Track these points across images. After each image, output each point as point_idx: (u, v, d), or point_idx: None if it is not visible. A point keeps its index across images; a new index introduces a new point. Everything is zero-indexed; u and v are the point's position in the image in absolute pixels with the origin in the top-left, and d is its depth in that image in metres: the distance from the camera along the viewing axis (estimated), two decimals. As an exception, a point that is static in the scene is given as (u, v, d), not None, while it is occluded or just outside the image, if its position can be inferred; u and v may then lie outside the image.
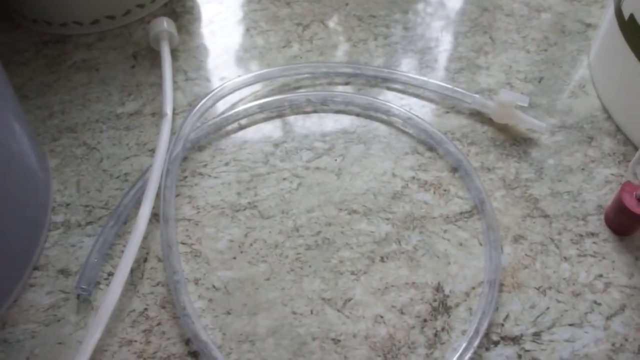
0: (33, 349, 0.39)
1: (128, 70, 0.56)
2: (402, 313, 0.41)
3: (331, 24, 0.60)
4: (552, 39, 0.59)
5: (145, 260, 0.44)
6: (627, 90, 0.51)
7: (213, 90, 0.51)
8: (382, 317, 0.41)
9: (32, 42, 0.59)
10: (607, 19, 0.54)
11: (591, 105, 0.53)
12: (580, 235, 0.45)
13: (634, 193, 0.43)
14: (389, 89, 0.54)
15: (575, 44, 0.59)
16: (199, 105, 0.49)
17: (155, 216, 0.45)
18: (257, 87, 0.54)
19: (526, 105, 0.50)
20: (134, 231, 0.43)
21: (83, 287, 0.41)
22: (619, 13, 0.51)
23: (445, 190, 0.47)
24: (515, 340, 0.40)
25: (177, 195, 0.47)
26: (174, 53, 0.57)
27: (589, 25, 0.60)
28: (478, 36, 0.59)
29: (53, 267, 0.43)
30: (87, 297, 0.42)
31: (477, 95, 0.51)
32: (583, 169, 0.49)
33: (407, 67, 0.56)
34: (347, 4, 0.62)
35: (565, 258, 0.44)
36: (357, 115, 0.52)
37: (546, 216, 0.46)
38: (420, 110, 0.52)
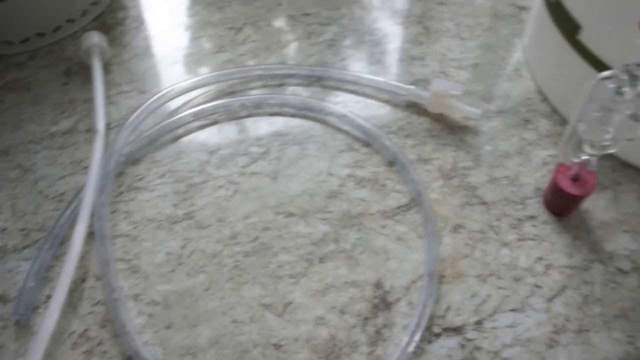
0: (-28, 382, 0.39)
1: (60, 87, 0.55)
2: (342, 313, 0.41)
3: (264, 25, 0.60)
4: (486, 24, 0.59)
5: (84, 280, 0.43)
6: (559, 71, 0.51)
7: (145, 103, 0.50)
8: (322, 318, 0.41)
9: (-37, 65, 0.58)
10: (536, 1, 0.54)
11: (527, 88, 0.54)
12: (519, 220, 0.46)
13: (568, 173, 0.44)
14: (323, 87, 0.54)
15: (509, 27, 0.59)
16: (131, 119, 0.49)
17: (92, 235, 0.45)
18: (191, 94, 0.53)
19: (460, 93, 0.50)
20: (69, 252, 0.42)
21: (21, 312, 0.41)
22: (545, -5, 0.51)
23: (382, 186, 0.47)
24: (457, 330, 0.40)
25: (113, 212, 0.46)
26: (107, 66, 0.56)
27: (522, 8, 0.61)
28: (412, 27, 0.59)
29: (-10, 294, 0.43)
30: (26, 323, 0.41)
31: (411, 87, 0.51)
32: (520, 153, 0.49)
33: (342, 63, 0.56)
34: (279, 4, 0.61)
35: (504, 244, 0.44)
36: (292, 116, 0.52)
37: (484, 203, 0.46)
38: (356, 106, 0.52)
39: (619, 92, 0.37)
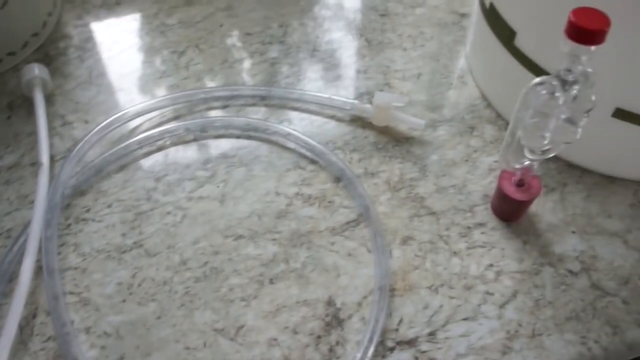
0: None
1: (4, 121, 0.54)
2: (295, 333, 0.41)
3: (207, 47, 0.60)
4: (428, 33, 0.60)
5: (34, 315, 0.43)
6: (500, 76, 0.52)
7: (90, 133, 0.50)
8: (275, 339, 0.41)
9: None
10: (475, 8, 0.55)
11: (470, 95, 0.54)
12: (469, 228, 0.46)
13: (512, 179, 0.44)
14: (267, 106, 0.54)
15: (452, 35, 0.60)
16: (75, 150, 0.48)
17: (41, 269, 0.44)
18: (136, 122, 0.53)
19: (403, 104, 0.51)
20: (17, 288, 0.42)
21: (-29, 353, 0.41)
22: (482, 2, 0.52)
23: (330, 202, 0.47)
24: (410, 343, 0.41)
25: (61, 245, 0.46)
26: (50, 98, 0.55)
27: (463, 15, 0.61)
28: (355, 40, 0.59)
29: (-60, 337, 0.42)
30: (-24, 364, 0.41)
31: (354, 101, 0.52)
32: (467, 160, 0.50)
33: (285, 81, 0.56)
34: (221, 25, 0.61)
35: (454, 253, 0.45)
36: (238, 137, 0.52)
37: (433, 213, 0.47)
38: (300, 123, 0.53)
39: (552, 97, 0.38)
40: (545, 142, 0.40)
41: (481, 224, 0.46)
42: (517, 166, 0.43)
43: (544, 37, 0.45)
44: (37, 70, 0.54)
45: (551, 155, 0.41)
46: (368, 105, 0.51)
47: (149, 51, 0.60)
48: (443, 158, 0.50)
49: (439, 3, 0.62)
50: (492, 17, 0.49)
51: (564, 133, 0.39)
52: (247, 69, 0.57)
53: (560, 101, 0.37)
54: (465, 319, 0.42)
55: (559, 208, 0.47)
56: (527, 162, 0.42)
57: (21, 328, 0.42)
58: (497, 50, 0.50)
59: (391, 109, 0.50)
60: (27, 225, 0.46)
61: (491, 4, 0.49)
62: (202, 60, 0.58)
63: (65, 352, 0.40)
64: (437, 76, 0.56)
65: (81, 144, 0.49)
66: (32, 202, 0.48)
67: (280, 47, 0.59)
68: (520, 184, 0.44)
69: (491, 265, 0.44)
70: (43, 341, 0.41)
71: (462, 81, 0.55)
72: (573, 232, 0.46)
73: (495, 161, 0.49)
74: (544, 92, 0.38)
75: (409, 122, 0.51)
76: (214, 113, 0.54)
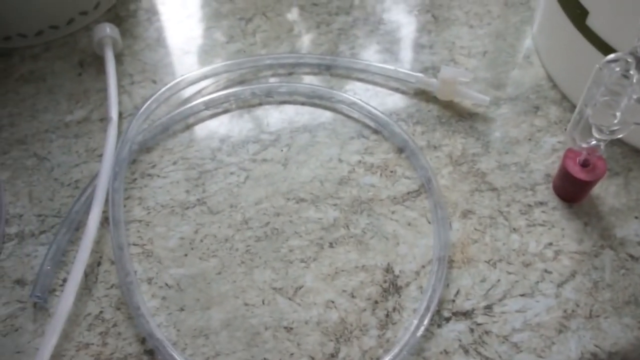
0: (-8, 361, 0.40)
1: (75, 78, 0.56)
2: (352, 297, 0.41)
3: (274, 16, 0.60)
4: (494, 12, 0.59)
5: (99, 264, 0.44)
6: (569, 57, 0.51)
7: (158, 92, 0.51)
8: (333, 302, 0.41)
9: (-22, 57, 0.59)
10: (545, -12, 0.54)
11: (536, 75, 0.54)
12: (529, 206, 0.46)
13: (577, 159, 0.44)
14: (333, 75, 0.54)
15: (519, 15, 0.59)
16: (144, 107, 0.49)
17: (106, 220, 0.45)
18: (202, 84, 0.54)
19: (469, 80, 0.50)
20: (84, 236, 0.43)
21: (38, 295, 0.42)
22: (554, -18, 0.51)
23: (391, 172, 0.48)
24: (466, 315, 0.41)
25: (127, 198, 0.47)
26: (119, 57, 0.57)
27: (531, -4, 0.61)
28: (421, 15, 0.59)
29: (9, 277, 0.44)
30: (43, 305, 0.42)
31: (420, 74, 0.52)
32: (530, 139, 0.50)
33: (351, 52, 0.56)
34: (289, -6, 0.62)
35: (514, 229, 0.45)
36: (302, 104, 0.52)
37: (494, 189, 0.47)
38: (365, 94, 0.53)
39: (625, 75, 0.37)
40: (615, 121, 0.39)
41: (542, 203, 0.46)
42: (584, 145, 0.42)
43: (619, 16, 0.44)
44: (108, 30, 0.55)
45: (619, 136, 0.40)
46: (433, 80, 0.51)
47: (216, 17, 0.60)
48: (506, 136, 0.50)
49: (507, -17, 0.62)
50: (565, -4, 0.49)
51: (634, 113, 0.39)
52: (312, 39, 0.58)
53: (635, 79, 0.37)
54: (522, 295, 0.42)
55: (623, 192, 0.47)
56: (593, 142, 0.42)
57: (86, 275, 0.43)
58: (567, 30, 0.49)
59: (456, 84, 0.50)
60: (94, 177, 0.47)
61: (564, -17, 0.49)
62: (269, 28, 0.59)
63: (128, 300, 0.41)
64: (502, 55, 0.55)
65: (149, 101, 0.50)
66: (100, 155, 0.50)
67: (346, 19, 0.59)
68: (585, 164, 0.44)
69: (550, 244, 0.44)
70: (107, 288, 0.43)
71: (527, 61, 0.55)
72: (636, 218, 0.45)
73: (559, 142, 0.49)
74: (617, 69, 0.38)
75: (474, 97, 0.51)
76: (277, 79, 0.54)
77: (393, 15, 0.60)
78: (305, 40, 0.58)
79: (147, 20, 0.61)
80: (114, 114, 0.50)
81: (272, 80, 0.54)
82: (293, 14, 0.60)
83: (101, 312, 0.42)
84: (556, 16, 0.51)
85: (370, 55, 0.56)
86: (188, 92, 0.54)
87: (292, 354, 0.40)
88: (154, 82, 0.55)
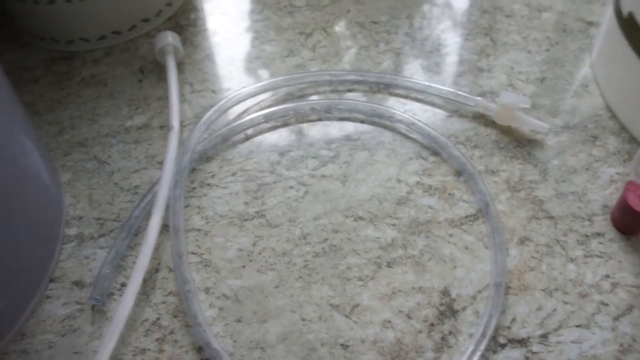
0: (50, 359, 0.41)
1: (135, 84, 0.57)
2: (409, 318, 0.42)
3: (333, 31, 0.61)
4: (553, 38, 0.59)
5: (157, 270, 0.44)
6: (629, 88, 0.51)
7: (219, 102, 0.51)
8: (389, 322, 0.41)
9: (41, 59, 0.60)
10: (607, 17, 0.54)
11: (594, 105, 0.54)
12: (586, 236, 0.46)
13: (638, 192, 0.44)
14: (392, 94, 0.55)
15: (577, 42, 0.59)
16: (205, 118, 0.50)
17: (165, 227, 0.46)
18: (261, 96, 0.55)
19: (528, 106, 0.50)
20: (144, 242, 0.44)
21: (97, 297, 0.42)
22: (618, 11, 0.51)
23: (450, 195, 0.48)
24: (522, 342, 0.41)
25: (186, 206, 0.47)
26: (180, 66, 0.57)
27: (590, 24, 0.61)
28: (479, 38, 0.59)
29: (68, 278, 0.44)
30: (101, 308, 0.43)
31: (479, 98, 0.52)
32: (587, 169, 0.49)
33: (409, 72, 0.57)
34: (349, 11, 0.62)
35: (571, 259, 0.44)
36: (362, 122, 0.53)
37: (551, 217, 0.47)
38: (424, 115, 0.53)
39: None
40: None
41: (599, 234, 0.46)
42: (647, 179, 0.42)
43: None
44: (170, 38, 0.56)
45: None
46: (492, 104, 0.51)
47: (277, 30, 0.61)
48: (564, 164, 0.50)
49: (566, 9, 0.62)
50: (630, 26, 0.49)
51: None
52: (372, 57, 0.58)
53: None
54: (578, 326, 0.41)
55: (680, 227, 0.47)
56: (657, 176, 0.42)
57: (144, 281, 0.43)
58: (630, 60, 0.49)
59: (515, 110, 0.50)
60: (154, 184, 0.48)
61: (630, 14, 0.49)
62: (329, 43, 0.59)
63: (186, 308, 0.41)
64: (561, 82, 0.55)
65: (211, 111, 0.50)
66: (159, 162, 0.50)
67: (405, 38, 0.60)
68: (645, 198, 0.44)
69: (607, 276, 0.44)
70: (164, 295, 0.43)
71: (586, 89, 0.55)
72: (694, 253, 0.45)
73: (618, 173, 0.49)
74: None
75: (533, 124, 0.51)
76: (337, 96, 0.55)
77: (452, 37, 0.60)
78: (364, 58, 0.58)
79: (207, 30, 0.61)
80: (175, 122, 0.51)
81: (331, 96, 0.55)
82: (353, 31, 0.61)
83: (158, 318, 0.42)
84: (619, 46, 0.51)
85: (429, 76, 0.56)
86: (247, 103, 0.54)
87: (347, 372, 0.40)
88: (214, 92, 0.56)
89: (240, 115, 0.53)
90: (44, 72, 0.59)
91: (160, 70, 0.57)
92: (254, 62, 0.58)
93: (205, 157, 0.51)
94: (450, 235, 0.46)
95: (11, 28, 0.63)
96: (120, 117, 0.54)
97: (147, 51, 0.60)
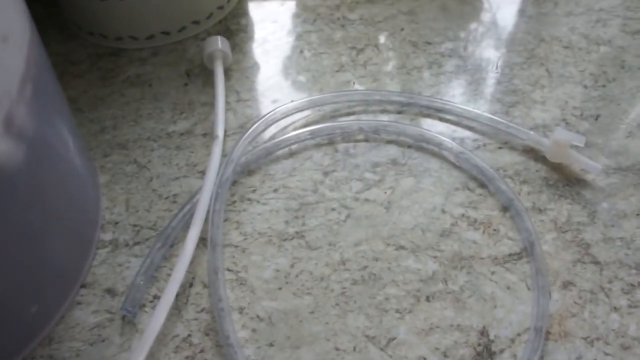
0: (77, 369, 0.40)
1: (181, 87, 0.56)
2: (445, 356, 0.40)
3: (385, 49, 0.60)
4: (610, 74, 0.58)
5: (191, 285, 0.44)
6: (686, 134, 0.50)
7: (265, 115, 0.50)
8: (425, 358, 0.40)
9: (87, 54, 0.60)
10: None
11: (649, 147, 0.52)
12: (632, 285, 0.44)
13: (691, 245, 0.42)
14: (441, 119, 0.53)
15: (635, 80, 0.57)
16: (251, 130, 0.49)
17: (202, 240, 0.45)
18: (308, 111, 0.54)
19: (582, 145, 0.49)
20: (181, 256, 0.43)
21: (128, 308, 0.42)
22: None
23: (495, 230, 0.46)
24: (560, 391, 0.40)
25: (224, 220, 0.47)
26: (227, 72, 0.57)
27: (650, 61, 0.59)
28: (534, 68, 0.58)
29: (100, 285, 0.44)
30: (132, 319, 0.42)
31: (531, 132, 0.50)
32: (638, 215, 0.48)
33: (461, 98, 0.55)
34: (402, 29, 0.61)
35: (615, 308, 0.43)
36: (409, 146, 0.51)
37: (597, 263, 0.45)
38: (473, 144, 0.52)
39: None
40: None
41: (646, 284, 0.45)
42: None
43: None
44: (220, 43, 0.55)
45: None
46: (545, 139, 0.50)
47: (329, 43, 0.60)
48: (613, 207, 0.48)
49: (625, 44, 0.60)
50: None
51: None
52: (424, 78, 0.57)
53: None
54: (618, 379, 0.40)
55: None
56: None
57: (177, 295, 0.42)
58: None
59: (568, 147, 0.49)
60: (193, 194, 0.47)
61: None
62: (380, 61, 0.58)
63: (218, 327, 0.40)
64: (615, 120, 0.54)
65: (257, 124, 0.50)
66: (200, 172, 0.49)
67: (458, 62, 0.58)
68: (698, 252, 0.42)
69: (652, 328, 0.43)
70: (197, 311, 0.42)
71: (641, 130, 0.54)
72: None
73: (668, 221, 0.48)
74: None
75: (585, 163, 0.49)
76: (386, 117, 0.54)
77: (507, 65, 0.58)
78: (416, 79, 0.57)
79: (257, 37, 0.61)
80: (220, 132, 0.50)
81: (380, 117, 0.54)
82: (406, 50, 0.60)
83: (189, 335, 0.41)
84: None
85: (481, 104, 0.55)
86: (295, 117, 0.53)
87: (379, 408, 0.39)
88: (260, 102, 0.55)
89: (285, 129, 0.52)
90: (89, 67, 0.59)
91: (206, 75, 0.57)
92: (302, 75, 0.57)
93: (247, 170, 0.50)
94: (493, 273, 0.44)
95: (60, 19, 0.63)
96: (163, 121, 0.53)
97: (195, 54, 0.59)
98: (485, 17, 0.63)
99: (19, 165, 0.35)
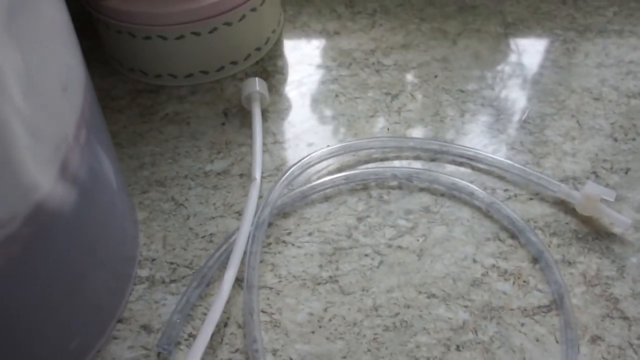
0: (112, 405, 0.41)
1: (218, 127, 0.57)
2: (475, 407, 0.41)
3: (419, 96, 0.61)
4: (640, 127, 0.59)
5: (226, 325, 0.44)
6: None
7: (302, 159, 0.52)
8: (455, 409, 0.41)
9: (127, 90, 0.61)
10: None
11: (678, 202, 0.53)
12: (660, 341, 0.45)
13: None
14: (473, 168, 0.54)
15: (665, 135, 0.58)
16: (287, 173, 0.50)
17: (237, 281, 0.46)
18: (344, 157, 0.55)
19: (612, 200, 0.50)
20: (217, 296, 0.44)
21: (164, 346, 0.43)
22: None
23: (524, 282, 0.47)
24: None
25: (260, 262, 0.48)
26: (263, 114, 0.58)
27: (679, 116, 0.60)
28: (565, 120, 0.59)
29: (136, 321, 0.45)
30: (167, 356, 0.43)
31: (562, 184, 0.51)
32: (666, 270, 0.49)
33: (493, 147, 0.56)
34: (436, 76, 0.62)
35: (643, 363, 0.44)
36: (442, 194, 0.52)
37: (626, 318, 0.46)
38: (504, 194, 0.53)
39: None
40: None
41: (674, 340, 0.45)
42: None
43: None
44: (258, 86, 0.57)
45: None
46: (575, 192, 0.51)
47: (363, 87, 0.61)
48: (643, 262, 0.49)
49: (655, 98, 0.61)
50: None
51: None
52: (457, 127, 0.58)
53: None
54: None
55: None
56: None
57: (212, 334, 0.43)
58: None
59: (599, 201, 0.50)
60: (230, 234, 0.48)
61: None
62: (414, 108, 0.59)
63: (252, 369, 0.42)
64: (645, 174, 0.55)
65: (293, 167, 0.51)
66: (237, 212, 0.51)
67: (491, 111, 0.59)
68: None
69: (679, 386, 0.43)
70: (231, 352, 0.43)
71: (669, 185, 0.54)
72: None
73: (697, 278, 0.48)
74: None
75: (615, 218, 0.50)
76: (419, 164, 0.55)
77: (538, 115, 0.59)
78: (449, 127, 0.58)
79: (293, 79, 0.62)
80: (257, 174, 0.51)
81: (414, 164, 0.55)
82: (439, 97, 0.61)
83: (224, 374, 0.42)
84: None
85: (513, 154, 0.56)
86: (330, 162, 0.54)
87: None
88: (297, 145, 0.56)
89: (320, 173, 0.53)
90: (129, 103, 0.60)
91: (243, 115, 0.58)
92: (337, 119, 0.59)
93: (283, 213, 0.51)
94: (522, 325, 0.45)
95: (101, 54, 0.65)
96: (200, 160, 0.55)
97: (232, 94, 0.60)
98: (516, 66, 0.64)
99: (71, 209, 0.36)
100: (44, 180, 0.33)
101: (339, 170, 0.54)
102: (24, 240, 0.33)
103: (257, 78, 0.57)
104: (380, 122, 0.58)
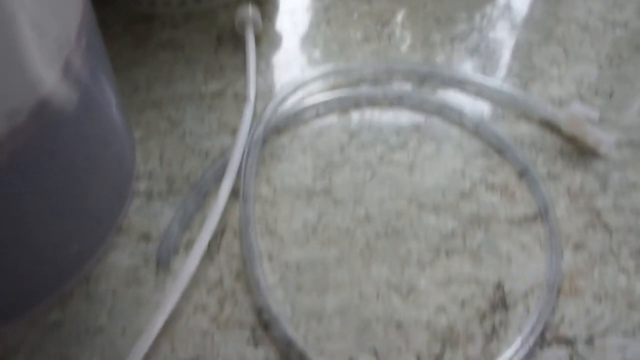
0: (113, 306, 0.42)
1: (212, 52, 0.58)
2: (463, 305, 0.43)
3: (410, 24, 0.62)
4: (625, 55, 0.60)
5: (223, 233, 0.46)
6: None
7: (295, 79, 0.53)
8: (444, 307, 0.43)
9: (121, 17, 0.62)
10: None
11: (660, 124, 0.55)
12: (640, 250, 0.47)
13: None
14: (463, 90, 0.56)
15: (650, 61, 0.60)
16: (281, 92, 0.51)
17: (233, 192, 0.47)
18: (335, 78, 0.56)
19: (597, 119, 0.51)
20: (215, 204, 0.45)
21: (163, 253, 0.44)
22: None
23: (511, 195, 0.49)
24: (568, 342, 0.42)
25: (255, 176, 0.49)
26: (257, 40, 0.59)
27: (663, 45, 0.62)
28: (552, 46, 0.60)
29: (135, 231, 0.46)
30: (166, 263, 0.44)
31: (549, 106, 0.53)
32: (648, 185, 0.50)
33: (481, 71, 0.58)
34: (425, 5, 0.64)
35: (622, 269, 0.45)
36: (431, 113, 0.54)
37: (607, 228, 0.47)
38: (492, 114, 0.54)
39: None
40: None
41: (653, 249, 0.47)
42: None
43: None
44: (251, 11, 0.58)
45: None
46: (561, 113, 0.52)
47: (354, 15, 0.62)
48: (625, 178, 0.50)
49: (640, 28, 0.63)
50: None
51: None
52: (444, 53, 0.59)
53: None
54: (624, 334, 0.42)
55: None
56: None
57: (209, 242, 0.45)
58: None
59: (584, 121, 0.51)
60: (225, 150, 0.50)
61: None
62: (404, 34, 0.61)
63: (248, 272, 0.43)
64: (629, 99, 0.56)
65: (287, 87, 0.52)
66: (232, 130, 0.52)
67: (478, 38, 0.60)
68: None
69: (657, 289, 0.45)
70: (228, 257, 0.45)
71: (652, 108, 0.56)
72: None
73: (676, 193, 0.50)
74: None
75: (599, 136, 0.51)
76: (410, 86, 0.56)
77: (525, 43, 0.61)
78: (439, 53, 0.59)
79: (286, 9, 0.63)
80: (251, 95, 0.52)
81: (405, 86, 0.56)
82: (427, 25, 0.62)
83: (221, 279, 0.44)
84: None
85: (500, 79, 0.57)
86: (322, 83, 0.55)
87: (399, 348, 0.41)
88: (289, 68, 0.57)
89: (312, 94, 0.54)
90: (123, 30, 0.61)
91: (236, 41, 0.59)
92: (329, 44, 0.60)
93: (277, 131, 0.52)
94: (509, 233, 0.47)
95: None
96: (195, 83, 0.56)
97: (225, 21, 0.61)
98: (505, -2, 0.65)
99: (73, 110, 0.37)
100: (48, 76, 0.34)
101: (331, 91, 0.55)
102: (28, 135, 0.35)
103: (249, 5, 0.58)
104: (372, 47, 0.59)
